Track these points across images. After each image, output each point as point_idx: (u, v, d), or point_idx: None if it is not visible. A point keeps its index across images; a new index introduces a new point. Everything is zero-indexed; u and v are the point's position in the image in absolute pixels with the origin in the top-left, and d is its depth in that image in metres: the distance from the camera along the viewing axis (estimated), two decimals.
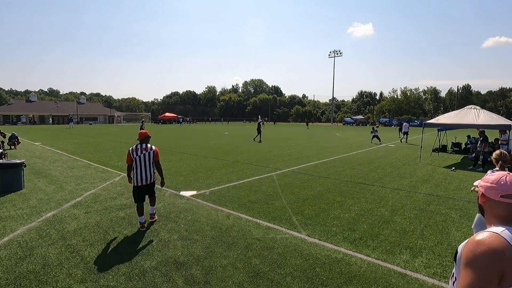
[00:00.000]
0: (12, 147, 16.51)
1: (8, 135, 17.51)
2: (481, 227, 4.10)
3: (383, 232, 5.01)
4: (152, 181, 5.25)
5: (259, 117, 39.86)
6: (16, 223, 5.29)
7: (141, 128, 21.95)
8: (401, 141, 21.89)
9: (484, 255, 1.22)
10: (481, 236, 1.29)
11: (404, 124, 22.99)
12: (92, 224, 5.27)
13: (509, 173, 1.42)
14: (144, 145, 5.12)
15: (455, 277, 1.44)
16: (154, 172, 5.26)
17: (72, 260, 3.99)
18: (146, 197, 5.36)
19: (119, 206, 6.26)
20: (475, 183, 1.59)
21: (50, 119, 61.40)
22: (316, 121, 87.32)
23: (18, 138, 17.47)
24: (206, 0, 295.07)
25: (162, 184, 5.48)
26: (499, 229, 1.30)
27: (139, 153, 5.06)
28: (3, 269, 3.75)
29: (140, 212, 5.13)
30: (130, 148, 5.13)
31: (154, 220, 5.46)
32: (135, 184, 5.10)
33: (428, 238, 4.82)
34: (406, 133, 22.21)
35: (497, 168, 4.15)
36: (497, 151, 4.17)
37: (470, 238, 1.34)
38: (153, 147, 5.24)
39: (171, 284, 3.48)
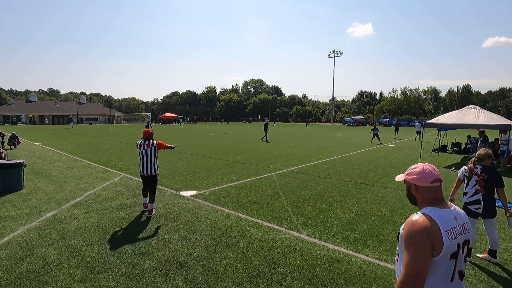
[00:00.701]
0: (12, 147, 16.51)
1: (8, 135, 17.47)
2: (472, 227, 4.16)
3: (383, 232, 5.01)
4: (153, 174, 5.83)
5: (264, 117, 39.83)
6: (16, 223, 5.29)
7: (147, 128, 22.62)
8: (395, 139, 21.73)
9: (418, 233, 1.51)
10: (415, 217, 1.57)
11: (417, 124, 25.02)
12: (92, 224, 5.27)
13: (425, 163, 1.73)
14: (147, 142, 5.78)
15: (398, 254, 1.69)
16: (155, 167, 5.85)
17: (72, 260, 3.99)
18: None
19: (119, 206, 6.26)
20: (398, 179, 1.83)
21: (46, 119, 61.29)
22: (316, 121, 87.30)
23: (18, 138, 17.47)
24: (206, 0, 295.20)
25: (157, 176, 6.02)
26: (427, 210, 1.60)
27: (142, 148, 5.76)
28: (3, 269, 3.75)
29: (144, 194, 6.00)
30: (137, 142, 5.88)
31: (151, 215, 5.70)
32: (140, 174, 5.89)
33: None
34: (418, 132, 23.98)
35: (465, 168, 4.23)
36: (483, 150, 4.17)
37: (407, 220, 1.60)
38: (154, 142, 5.84)
39: (171, 284, 3.48)
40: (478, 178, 4.05)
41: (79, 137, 25.54)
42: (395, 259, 1.75)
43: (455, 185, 4.35)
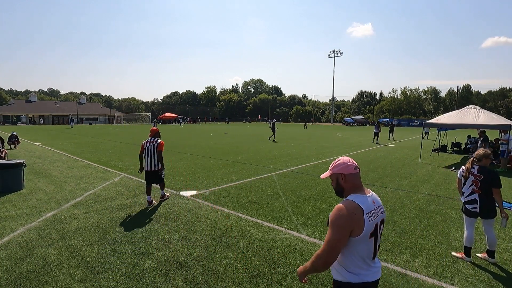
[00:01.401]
0: (12, 146, 16.50)
1: (7, 135, 17.46)
2: (470, 227, 4.14)
3: (383, 232, 5.00)
4: (155, 169, 6.26)
5: (264, 117, 39.94)
6: (16, 223, 5.29)
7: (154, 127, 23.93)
8: (377, 142, 21.51)
9: (343, 216, 1.75)
10: (342, 203, 1.82)
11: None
12: (92, 224, 5.27)
13: (344, 156, 2.02)
14: (153, 139, 6.30)
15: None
16: (158, 162, 6.25)
17: (72, 260, 3.99)
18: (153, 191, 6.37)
19: (119, 206, 6.26)
20: (323, 176, 2.09)
21: (42, 119, 61.22)
22: (316, 121, 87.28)
23: (18, 137, 17.47)
24: (206, 0, 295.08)
25: (161, 170, 6.43)
26: (352, 197, 1.85)
27: (148, 144, 6.25)
28: (3, 269, 3.75)
29: (148, 192, 6.32)
30: (144, 141, 6.33)
31: (165, 198, 6.63)
32: (144, 169, 6.30)
33: (428, 238, 4.82)
34: (427, 132, 25.17)
35: (464, 167, 4.25)
36: (481, 150, 4.17)
37: (335, 206, 1.84)
38: (159, 140, 6.35)
39: (171, 284, 3.48)
40: (475, 178, 4.08)
41: (79, 137, 25.54)
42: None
43: (457, 186, 4.44)
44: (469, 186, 4.14)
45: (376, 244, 1.88)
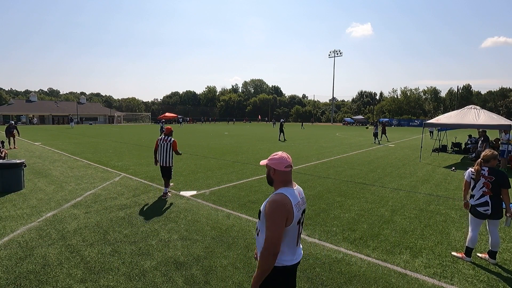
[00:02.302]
0: (11, 138, 16.32)
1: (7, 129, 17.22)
2: (470, 225, 4.13)
3: (383, 232, 5.01)
4: (167, 165, 6.83)
5: (264, 117, 39.94)
6: (16, 223, 5.29)
7: (161, 128, 25.43)
8: (379, 142, 21.50)
9: (278, 209, 1.93)
10: (274, 197, 1.99)
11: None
12: (92, 224, 5.27)
13: (283, 152, 2.16)
14: (166, 137, 6.88)
15: (259, 229, 2.08)
16: (170, 159, 6.81)
17: (72, 260, 3.99)
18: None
19: (119, 206, 6.26)
20: (261, 163, 2.22)
21: (36, 119, 61.04)
22: (316, 121, 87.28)
23: (17, 128, 17.19)
24: (206, 0, 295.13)
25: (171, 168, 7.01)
26: (283, 190, 2.03)
27: (161, 142, 6.84)
28: (3, 269, 3.75)
29: (166, 184, 7.03)
30: (158, 138, 6.95)
31: (166, 197, 6.88)
32: (159, 164, 6.92)
33: (428, 238, 4.82)
34: (432, 132, 25.82)
35: (472, 170, 4.15)
36: (489, 151, 4.16)
37: (268, 199, 2.01)
38: (172, 139, 6.90)
39: (171, 284, 3.48)
40: (486, 180, 4.02)
41: (79, 137, 25.54)
42: (256, 234, 2.14)
43: (464, 189, 4.30)
44: (480, 188, 4.06)
45: (300, 232, 2.12)
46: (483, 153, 4.16)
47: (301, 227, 2.14)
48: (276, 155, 2.14)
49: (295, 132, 34.65)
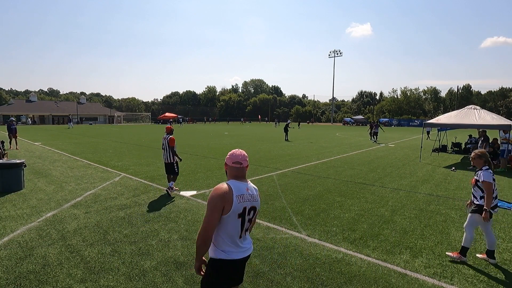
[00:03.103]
0: (14, 138, 16.22)
1: (7, 134, 17.23)
2: (472, 226, 4.12)
3: (383, 232, 5.01)
4: (169, 162, 7.17)
5: (264, 117, 40.01)
6: (16, 223, 5.29)
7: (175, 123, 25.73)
8: (373, 141, 21.58)
9: (216, 195, 2.06)
10: (218, 185, 2.13)
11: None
12: (92, 224, 5.27)
13: (240, 150, 2.27)
14: (166, 136, 7.26)
15: None
16: (171, 156, 7.15)
17: (72, 260, 3.99)
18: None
19: (119, 206, 6.26)
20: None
21: (29, 119, 60.94)
22: (316, 121, 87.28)
23: (15, 124, 17.01)
24: (206, 0, 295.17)
25: (179, 160, 7.39)
26: (229, 181, 2.16)
27: (163, 140, 7.28)
28: (3, 269, 3.75)
29: (168, 179, 7.31)
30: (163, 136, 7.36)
31: (171, 191, 7.15)
32: (163, 161, 7.35)
33: (428, 238, 4.82)
34: (428, 132, 25.95)
35: (483, 168, 4.09)
36: (478, 150, 4.19)
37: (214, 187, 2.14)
38: (169, 136, 7.22)
39: (171, 284, 3.48)
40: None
41: (79, 137, 25.55)
42: None
43: (490, 192, 3.93)
44: (495, 190, 4.08)
45: (244, 225, 2.17)
46: (481, 152, 4.17)
47: (247, 223, 2.20)
48: (232, 152, 2.27)
49: (292, 132, 34.64)
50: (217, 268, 2.17)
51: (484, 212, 3.92)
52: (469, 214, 4.18)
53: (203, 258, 2.22)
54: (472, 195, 4.22)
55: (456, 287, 3.48)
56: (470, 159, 4.32)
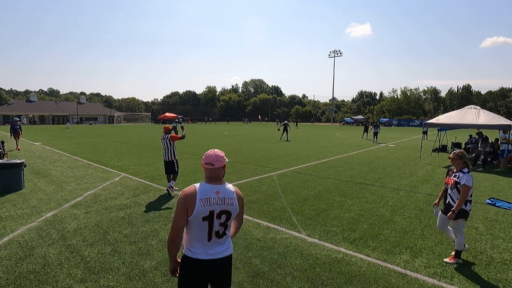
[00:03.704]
0: (17, 138, 16.05)
1: (7, 134, 17.17)
2: (445, 224, 4.11)
3: (383, 232, 5.01)
4: (169, 160, 7.29)
5: (264, 117, 40.05)
6: (16, 223, 5.29)
7: (174, 127, 25.71)
8: (373, 140, 21.52)
9: (180, 198, 2.09)
10: (186, 188, 2.13)
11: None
12: (92, 224, 5.27)
13: (215, 150, 2.23)
14: (165, 135, 7.40)
15: None
16: (172, 155, 7.28)
17: (72, 260, 3.99)
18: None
19: (119, 206, 6.26)
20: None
21: (25, 119, 60.93)
22: (316, 121, 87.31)
23: (20, 125, 16.93)
24: (206, 0, 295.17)
25: (174, 163, 7.40)
26: (199, 183, 2.15)
27: (162, 139, 7.43)
28: (3, 269, 3.75)
29: (168, 179, 7.43)
30: (161, 136, 7.57)
31: (171, 191, 7.24)
32: (163, 160, 7.44)
33: (428, 238, 4.82)
34: (425, 132, 25.17)
35: (464, 170, 4.03)
36: (458, 151, 4.16)
37: None
38: (169, 135, 7.38)
39: (171, 284, 3.48)
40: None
41: (79, 137, 25.55)
42: None
43: (465, 197, 3.92)
44: (471, 195, 4.05)
45: (212, 229, 2.12)
46: (461, 152, 4.10)
47: (220, 227, 2.14)
48: (207, 152, 2.24)
49: (298, 132, 34.63)
50: (183, 266, 2.18)
51: (451, 212, 3.88)
52: (444, 216, 4.06)
53: (178, 260, 2.23)
54: (449, 196, 4.09)
55: (456, 287, 3.48)
56: (449, 158, 4.22)
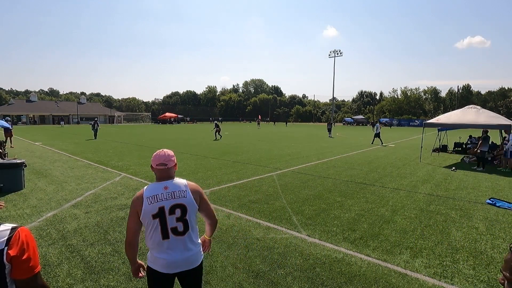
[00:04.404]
0: (9, 139, 16.41)
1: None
2: None
3: (383, 232, 5.01)
4: None
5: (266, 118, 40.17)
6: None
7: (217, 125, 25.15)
8: (372, 143, 21.35)
9: (132, 201, 2.10)
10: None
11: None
12: (92, 224, 5.27)
13: (165, 150, 2.19)
14: None
15: None
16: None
17: (72, 260, 3.99)
18: None
19: (119, 206, 6.26)
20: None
21: (24, 118, 60.95)
22: (316, 121, 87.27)
23: (11, 126, 17.36)
24: (206, 0, 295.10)
25: None
26: (147, 185, 2.14)
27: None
28: None
29: None
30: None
31: None
32: None
33: (428, 238, 4.81)
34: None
35: None
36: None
37: None
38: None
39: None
40: None
41: (79, 137, 25.56)
42: None
43: None
44: None
45: (166, 226, 2.05)
46: None
47: (177, 223, 2.07)
48: (156, 152, 2.20)
49: (298, 132, 34.63)
50: (148, 276, 2.15)
51: None
52: None
53: (140, 261, 2.22)
54: None
55: (456, 287, 3.48)
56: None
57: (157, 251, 2.08)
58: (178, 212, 2.08)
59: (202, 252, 2.29)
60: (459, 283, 3.55)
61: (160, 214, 2.04)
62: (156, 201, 2.05)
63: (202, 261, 2.27)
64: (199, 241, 2.29)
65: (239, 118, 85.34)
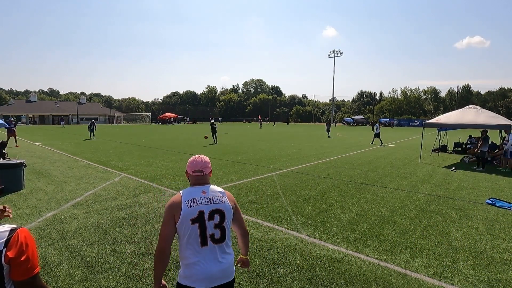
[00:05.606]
0: (11, 137, 16.51)
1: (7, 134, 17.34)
2: None
3: (383, 232, 5.01)
4: None
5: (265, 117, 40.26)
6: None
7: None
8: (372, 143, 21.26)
9: (166, 206, 1.96)
10: (172, 196, 2.04)
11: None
12: (92, 224, 5.27)
13: (200, 156, 2.20)
14: None
15: None
16: None
17: (72, 260, 3.99)
18: None
19: (119, 206, 6.26)
20: None
21: (24, 118, 60.95)
22: (316, 121, 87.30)
23: (15, 125, 17.55)
24: (206, 0, 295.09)
25: None
26: (184, 189, 2.05)
27: None
28: None
29: None
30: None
31: None
32: None
33: (428, 238, 4.82)
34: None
35: None
36: None
37: None
38: None
39: (171, 284, 3.47)
40: None
41: (79, 137, 25.55)
42: None
43: None
44: None
45: (205, 232, 1.93)
46: None
47: (214, 229, 1.95)
48: (192, 158, 2.14)
49: (298, 132, 34.64)
50: None
51: None
52: None
53: (164, 282, 2.02)
54: None
55: (456, 287, 3.48)
56: None
57: (193, 262, 1.90)
58: (216, 218, 1.97)
59: (234, 264, 2.12)
60: (459, 283, 3.55)
61: (199, 219, 1.92)
62: (195, 204, 1.93)
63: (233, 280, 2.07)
64: (232, 250, 2.13)
65: (242, 119, 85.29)
